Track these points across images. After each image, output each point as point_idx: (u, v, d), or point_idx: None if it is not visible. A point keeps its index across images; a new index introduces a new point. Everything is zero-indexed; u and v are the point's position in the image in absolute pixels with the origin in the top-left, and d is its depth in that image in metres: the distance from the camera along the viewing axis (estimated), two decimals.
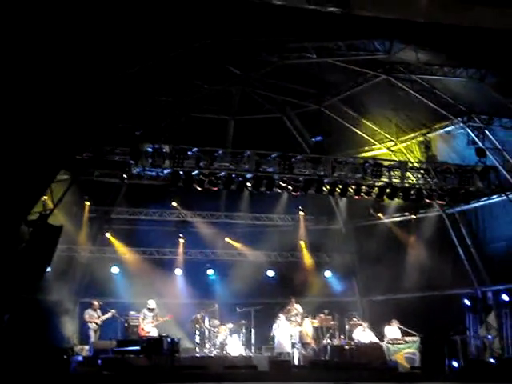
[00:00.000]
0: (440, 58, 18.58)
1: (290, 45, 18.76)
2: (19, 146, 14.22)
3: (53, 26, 12.13)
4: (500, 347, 22.20)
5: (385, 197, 21.21)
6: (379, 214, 24.92)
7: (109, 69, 14.93)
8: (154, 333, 22.08)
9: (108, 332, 22.57)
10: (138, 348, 20.01)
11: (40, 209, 17.60)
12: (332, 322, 23.40)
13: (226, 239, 26.74)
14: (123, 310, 23.35)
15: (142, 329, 22.39)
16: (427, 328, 22.12)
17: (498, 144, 21.51)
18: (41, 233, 16.93)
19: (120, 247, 25.45)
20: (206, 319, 23.29)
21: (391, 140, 23.86)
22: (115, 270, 25.28)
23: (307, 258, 27.12)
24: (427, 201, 22.18)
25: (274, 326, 22.82)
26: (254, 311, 23.49)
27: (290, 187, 20.45)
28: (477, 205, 23.45)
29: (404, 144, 23.69)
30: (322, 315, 23.61)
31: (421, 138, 22.88)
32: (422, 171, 21.41)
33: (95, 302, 22.90)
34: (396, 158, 23.42)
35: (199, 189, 19.73)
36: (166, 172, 19.33)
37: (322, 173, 20.37)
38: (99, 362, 19.20)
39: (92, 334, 22.53)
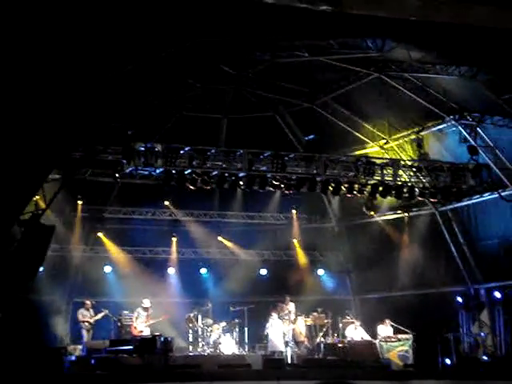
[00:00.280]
0: (432, 56, 18.60)
1: (282, 43, 18.75)
2: (11, 145, 14.17)
3: (44, 25, 12.09)
4: (493, 344, 22.23)
5: (377, 195, 21.23)
6: (372, 213, 24.91)
7: (101, 68, 14.90)
8: (146, 332, 22.10)
9: (101, 332, 22.59)
10: (131, 347, 20.01)
11: (32, 208, 17.57)
12: (325, 321, 23.44)
13: (219, 238, 26.74)
14: (116, 309, 23.35)
15: (135, 328, 22.39)
16: (420, 326, 22.18)
17: (490, 142, 21.56)
18: (33, 233, 16.89)
19: (112, 248, 25.41)
20: (200, 318, 23.30)
21: (383, 138, 23.88)
22: (108, 269, 25.27)
23: (300, 257, 27.13)
24: (420, 199, 22.23)
25: (267, 324, 22.83)
26: (247, 310, 23.51)
27: (282, 186, 20.44)
28: (469, 202, 23.49)
29: (396, 142, 23.71)
30: (315, 313, 23.67)
31: (413, 136, 22.91)
32: (414, 169, 21.44)
33: (88, 302, 22.89)
34: (388, 156, 23.45)
35: (192, 188, 19.70)
36: (158, 171, 19.30)
37: (314, 171, 20.38)
38: (92, 361, 19.17)
39: (85, 333, 22.52)
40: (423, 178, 21.31)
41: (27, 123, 13.99)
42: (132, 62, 16.74)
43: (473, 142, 21.25)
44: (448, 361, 20.97)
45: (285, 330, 22.81)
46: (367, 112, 23.06)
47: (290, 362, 21.86)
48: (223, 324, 23.00)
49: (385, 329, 22.64)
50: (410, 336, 22.02)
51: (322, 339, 22.85)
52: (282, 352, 22.21)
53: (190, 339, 23.14)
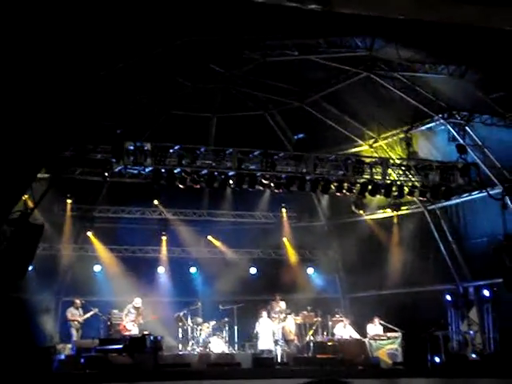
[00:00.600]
0: (421, 55, 18.66)
1: (272, 42, 18.76)
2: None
3: (33, 23, 12.06)
4: (481, 342, 22.33)
5: (366, 193, 21.28)
6: (361, 212, 24.97)
7: (90, 67, 14.87)
8: (135, 331, 22.06)
9: (90, 331, 22.54)
10: (120, 346, 19.97)
11: (21, 207, 17.51)
12: (315, 319, 23.49)
13: (209, 237, 26.73)
14: (106, 308, 23.30)
15: (124, 326, 22.35)
16: (409, 324, 22.26)
17: (478, 140, 21.64)
18: (22, 232, 16.82)
19: (101, 247, 25.36)
20: (189, 317, 23.28)
21: (373, 137, 23.94)
22: (97, 268, 25.22)
23: (290, 256, 27.16)
24: (409, 197, 22.29)
25: (257, 323, 22.85)
26: (236, 309, 23.54)
27: (272, 185, 20.44)
28: (458, 201, 23.60)
29: (386, 141, 23.78)
30: (304, 312, 23.71)
31: (402, 135, 22.96)
32: (403, 168, 21.46)
33: (77, 301, 22.85)
34: (378, 155, 23.50)
35: (181, 187, 19.68)
36: (147, 170, 19.26)
37: (304, 170, 20.38)
38: (82, 360, 19.13)
39: (74, 332, 22.48)
40: (412, 176, 21.34)
41: (16, 122, 13.95)
42: (122, 60, 16.70)
43: (461, 141, 21.34)
44: (437, 359, 21.06)
45: (274, 329, 22.84)
46: (357, 111, 23.10)
47: (279, 360, 21.88)
48: (213, 323, 23.00)
49: (374, 327, 22.70)
50: (399, 334, 22.10)
51: (312, 337, 22.89)
52: (271, 351, 22.23)
53: (180, 338, 23.12)
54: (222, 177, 19.90)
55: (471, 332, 22.47)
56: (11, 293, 20.13)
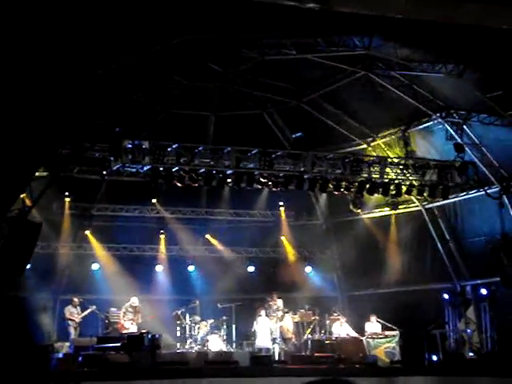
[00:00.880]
0: (419, 53, 18.70)
1: (270, 41, 18.77)
2: None
3: (31, 24, 12.08)
4: (479, 341, 22.36)
5: (364, 192, 21.31)
6: (359, 210, 25.00)
7: (88, 65, 14.89)
8: (133, 329, 22.07)
9: (88, 329, 22.55)
10: (118, 345, 19.98)
11: (19, 206, 17.53)
12: (313, 318, 23.50)
13: (207, 236, 26.75)
14: (103, 306, 23.32)
15: (122, 325, 22.37)
16: (407, 322, 22.29)
17: (476, 139, 21.68)
18: (20, 230, 16.86)
19: (98, 246, 25.36)
20: (187, 315, 23.31)
21: (371, 136, 23.97)
22: (95, 266, 25.20)
23: (288, 254, 27.18)
24: (406, 196, 22.33)
25: (255, 321, 22.86)
26: (234, 307, 23.58)
27: (270, 183, 20.47)
28: (455, 200, 23.63)
29: (383, 140, 23.80)
30: (302, 310, 23.73)
31: (400, 134, 22.99)
32: (401, 167, 21.49)
33: (75, 299, 22.85)
34: (375, 154, 23.54)
35: (179, 185, 19.70)
36: (146, 168, 19.29)
37: (302, 169, 20.41)
38: (80, 358, 19.12)
39: (72, 330, 22.48)
40: (410, 175, 21.38)
41: (14, 120, 13.97)
42: (120, 58, 16.71)
43: (459, 140, 21.36)
44: (434, 357, 21.08)
45: (272, 327, 22.85)
46: (354, 109, 23.13)
47: (277, 358, 21.90)
48: (211, 321, 23.03)
49: (372, 325, 22.73)
50: (396, 333, 22.12)
51: (310, 336, 22.91)
52: (269, 349, 22.25)
53: (178, 336, 23.13)
54: (220, 175, 19.93)
55: (468, 330, 22.49)
56: (9, 291, 20.17)
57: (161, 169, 19.23)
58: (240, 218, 26.81)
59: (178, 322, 23.23)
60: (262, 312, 22.95)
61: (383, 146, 23.91)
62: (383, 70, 20.37)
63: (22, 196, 18.03)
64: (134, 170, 19.45)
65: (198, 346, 22.49)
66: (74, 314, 22.62)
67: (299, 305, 24.33)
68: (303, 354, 22.20)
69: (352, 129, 24.00)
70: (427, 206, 24.59)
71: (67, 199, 24.12)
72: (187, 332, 23.00)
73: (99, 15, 12.89)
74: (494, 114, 20.35)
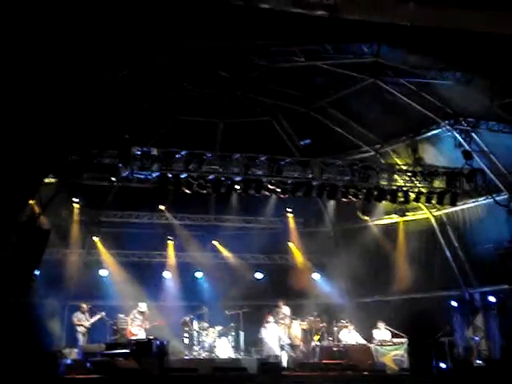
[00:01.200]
0: (427, 61, 18.68)
1: (278, 48, 18.81)
2: (7, 149, 14.21)
3: (41, 31, 12.15)
4: (487, 348, 22.30)
5: (372, 199, 21.30)
6: (367, 217, 24.99)
7: (97, 72, 14.96)
8: (141, 335, 22.09)
9: (97, 335, 22.57)
10: (127, 351, 19.98)
11: (28, 212, 17.60)
12: (321, 325, 23.47)
13: (215, 242, 26.77)
14: (112, 313, 23.30)
15: (130, 331, 22.38)
16: (415, 330, 22.23)
17: (484, 147, 21.65)
18: (29, 236, 16.92)
19: (107, 253, 25.41)
20: (195, 322, 23.30)
21: (379, 143, 23.98)
22: (104, 272, 25.26)
23: (296, 261, 27.17)
24: (415, 203, 22.32)
25: (263, 328, 22.86)
26: (242, 314, 23.56)
27: (278, 190, 20.49)
28: (464, 207, 23.59)
29: (392, 147, 23.81)
30: (310, 317, 23.70)
31: (408, 141, 22.99)
32: (409, 174, 21.50)
33: (84, 305, 22.86)
34: (384, 161, 23.54)
35: (188, 192, 19.75)
36: (154, 175, 19.34)
37: (310, 175, 20.44)
38: (88, 365, 19.14)
39: (81, 337, 22.50)
40: (418, 182, 21.37)
41: (24, 127, 14.04)
42: (129, 66, 16.78)
43: (467, 147, 21.35)
44: (443, 365, 21.01)
45: (280, 334, 22.85)
46: (363, 117, 23.14)
47: (285, 365, 21.88)
48: (219, 328, 23.03)
49: (380, 332, 22.69)
50: (405, 340, 22.07)
51: (318, 343, 22.88)
52: (277, 356, 22.23)
53: (186, 343, 23.13)
54: (229, 182, 19.97)
55: (477, 338, 22.42)
56: (17, 297, 20.20)
57: (169, 175, 19.29)
58: (248, 225, 26.85)
59: (186, 329, 23.22)
60: (270, 318, 22.95)
61: (391, 153, 23.91)
62: (391, 77, 20.36)
63: (31, 202, 18.11)
64: (142, 176, 19.49)
65: (206, 353, 22.49)
66: (82, 320, 22.64)
67: (307, 312, 24.31)
68: (311, 361, 22.16)
69: (360, 136, 24.02)
70: (435, 214, 24.58)
71: (76, 206, 24.17)
72: (195, 338, 22.99)
73: (109, 23, 12.96)
74: (503, 122, 20.31)
